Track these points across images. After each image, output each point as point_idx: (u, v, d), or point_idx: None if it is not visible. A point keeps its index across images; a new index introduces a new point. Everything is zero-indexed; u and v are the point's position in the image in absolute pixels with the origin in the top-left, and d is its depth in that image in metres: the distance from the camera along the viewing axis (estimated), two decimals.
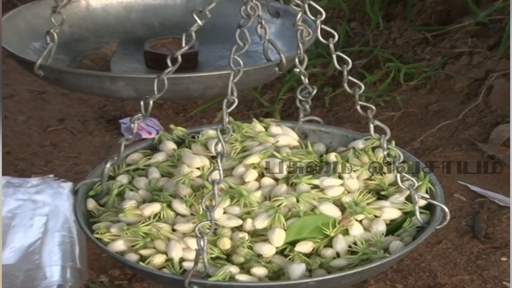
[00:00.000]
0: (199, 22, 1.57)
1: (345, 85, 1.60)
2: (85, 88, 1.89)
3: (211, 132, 1.74)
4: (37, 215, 2.02)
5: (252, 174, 1.65)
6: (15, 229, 2.01)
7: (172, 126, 1.78)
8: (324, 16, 1.62)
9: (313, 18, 1.61)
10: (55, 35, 1.80)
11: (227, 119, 1.52)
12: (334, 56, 1.59)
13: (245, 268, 1.55)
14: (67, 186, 1.99)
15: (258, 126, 1.77)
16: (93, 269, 2.22)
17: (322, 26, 1.61)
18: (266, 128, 1.77)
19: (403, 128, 2.60)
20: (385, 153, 1.64)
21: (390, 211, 1.62)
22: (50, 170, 2.17)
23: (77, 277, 1.96)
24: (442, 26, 2.61)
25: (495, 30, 2.55)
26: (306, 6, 1.65)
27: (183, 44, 1.61)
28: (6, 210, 2.05)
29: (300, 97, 1.75)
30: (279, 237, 1.57)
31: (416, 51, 2.54)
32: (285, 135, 1.77)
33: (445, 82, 2.54)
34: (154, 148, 1.78)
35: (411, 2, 2.64)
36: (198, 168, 1.67)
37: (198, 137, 1.76)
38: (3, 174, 2.14)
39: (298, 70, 1.71)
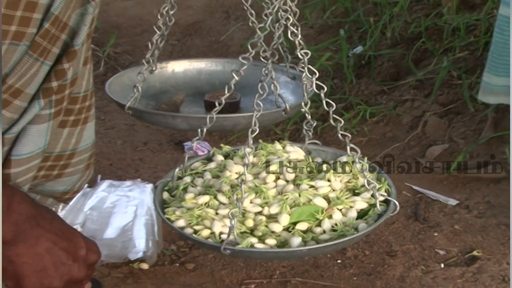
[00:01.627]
0: (236, 77, 1.83)
1: (331, 120, 1.84)
2: (156, 122, 2.17)
3: (244, 150, 1.82)
4: (129, 205, 2.29)
5: (271, 177, 1.90)
6: (115, 214, 2.28)
7: (222, 145, 2.00)
8: (317, 75, 1.85)
9: (310, 76, 1.86)
10: (139, 88, 2.09)
11: (251, 141, 1.78)
12: (324, 102, 1.84)
13: (262, 239, 1.80)
14: (149, 186, 2.31)
15: (278, 146, 1.99)
16: (166, 241, 2.35)
17: (316, 81, 1.85)
18: (283, 147, 2.00)
19: (368, 148, 2.69)
20: (358, 165, 1.86)
21: (360, 204, 1.86)
22: (138, 176, 2.46)
23: (156, 246, 2.28)
24: (394, 82, 2.83)
25: (428, 84, 2.77)
26: (306, 69, 1.85)
27: (225, 92, 1.85)
28: (109, 202, 2.30)
29: (305, 127, 1.97)
30: (285, 219, 1.82)
31: (377, 98, 2.79)
32: (295, 152, 1.99)
33: (396, 118, 2.77)
34: (209, 159, 2.01)
35: (374, 65, 2.80)
36: (236, 173, 1.89)
37: (237, 152, 1.99)
38: (108, 179, 2.35)
39: (303, 110, 1.95)
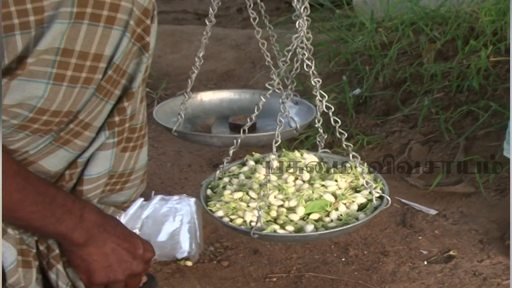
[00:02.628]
0: (260, 106, 1.86)
1: (337, 134, 1.88)
2: (196, 141, 2.22)
3: (270, 157, 1.85)
4: (177, 215, 2.27)
5: (291, 178, 1.92)
6: (165, 222, 2.26)
7: (253, 152, 2.03)
8: (327, 97, 1.87)
9: (321, 99, 1.87)
10: (182, 114, 2.16)
11: (275, 150, 1.81)
12: (331, 119, 1.85)
13: (283, 226, 1.82)
14: (192, 200, 2.29)
15: (297, 153, 2.01)
16: (206, 243, 2.33)
17: (326, 103, 1.86)
18: (301, 154, 2.01)
19: None
20: (358, 168, 1.90)
21: (360, 199, 1.87)
22: (183, 192, 2.45)
23: (197, 248, 2.26)
24: (385, 116, 2.79)
25: (413, 118, 2.74)
26: (318, 93, 1.86)
27: (252, 118, 1.88)
28: (161, 212, 2.28)
29: (318, 139, 1.99)
30: (301, 211, 1.83)
31: (372, 129, 2.75)
32: (311, 158, 2.00)
33: (387, 145, 2.73)
34: (243, 164, 2.03)
35: (369, 104, 2.78)
36: (263, 175, 1.90)
37: (264, 159, 2.01)
38: (160, 194, 2.35)
39: (317, 125, 1.96)
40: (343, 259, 2.31)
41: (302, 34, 1.81)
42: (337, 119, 1.88)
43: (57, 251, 1.76)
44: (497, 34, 2.88)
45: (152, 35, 1.69)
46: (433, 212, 2.50)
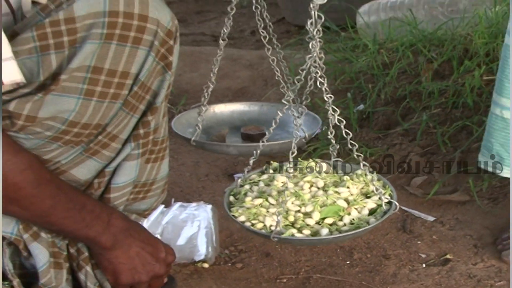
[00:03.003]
0: (280, 114, 1.84)
1: (349, 144, 1.87)
2: (214, 150, 2.22)
3: (287, 166, 1.87)
4: (195, 221, 2.26)
5: (306, 185, 1.90)
6: (184, 227, 2.26)
7: (271, 161, 2.01)
8: (338, 112, 1.84)
9: (333, 113, 1.84)
10: (200, 125, 2.15)
11: (291, 159, 1.81)
12: (343, 131, 1.85)
13: (300, 230, 1.80)
14: (209, 207, 2.28)
15: (312, 162, 1.98)
16: (221, 247, 2.32)
17: (338, 117, 1.84)
18: (316, 163, 1.98)
19: None
20: (369, 176, 1.89)
21: (371, 204, 1.86)
22: (201, 199, 2.42)
23: (214, 251, 2.25)
24: (386, 130, 2.77)
25: (412, 132, 2.73)
26: (330, 108, 1.84)
27: (271, 131, 1.89)
28: (180, 218, 2.26)
29: (331, 149, 1.97)
30: (316, 216, 1.82)
31: (374, 142, 2.74)
32: (325, 167, 1.98)
33: (389, 158, 2.72)
34: (262, 172, 2.01)
35: (372, 119, 2.76)
36: (281, 182, 1.90)
37: (282, 167, 1.97)
38: (180, 201, 2.33)
39: (330, 136, 1.93)
40: (347, 262, 2.30)
41: (315, 54, 1.80)
42: (348, 131, 1.87)
43: (86, 254, 1.76)
44: (490, 55, 2.87)
45: (175, 55, 1.70)
46: (431, 218, 2.48)
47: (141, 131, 1.70)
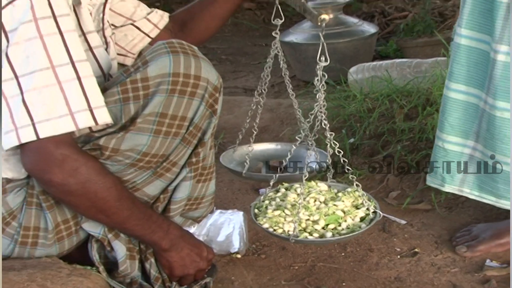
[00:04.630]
0: (294, 147, 1.85)
1: (346, 170, 1.85)
2: (257, 179, 2.23)
3: (299, 186, 1.90)
4: (230, 223, 2.23)
5: (311, 200, 1.90)
6: (223, 228, 2.22)
7: (283, 183, 1.99)
8: (338, 145, 1.82)
9: (333, 146, 1.81)
10: (248, 161, 2.07)
11: (304, 182, 1.80)
12: (341, 159, 1.83)
13: (310, 234, 1.80)
14: (241, 213, 2.25)
15: (313, 183, 1.97)
16: (250, 242, 2.26)
17: (337, 149, 1.82)
18: (316, 184, 1.98)
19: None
20: (358, 192, 1.90)
21: (361, 213, 1.87)
22: (235, 207, 2.39)
23: (244, 246, 2.24)
24: (370, 157, 2.71)
25: (390, 159, 2.69)
26: (332, 142, 1.81)
27: (287, 161, 1.88)
28: (220, 221, 2.23)
29: (328, 174, 1.96)
30: (322, 223, 1.83)
31: (362, 166, 2.69)
32: (323, 186, 1.97)
33: (372, 177, 2.66)
34: (277, 190, 1.98)
35: (360, 149, 2.68)
36: (293, 198, 1.90)
37: (292, 187, 1.97)
38: (219, 209, 2.28)
39: (328, 164, 1.93)
40: (342, 254, 2.26)
41: (321, 102, 1.79)
42: (345, 159, 1.85)
43: (151, 249, 1.75)
44: None
45: (219, 104, 1.70)
46: (403, 222, 2.45)
47: (194, 159, 1.71)
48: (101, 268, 1.68)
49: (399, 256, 2.21)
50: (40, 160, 1.41)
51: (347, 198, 1.91)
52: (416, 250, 2.24)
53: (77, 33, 1.45)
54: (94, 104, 1.45)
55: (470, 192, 2.11)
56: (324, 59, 1.69)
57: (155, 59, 1.54)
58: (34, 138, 1.39)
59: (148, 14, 1.88)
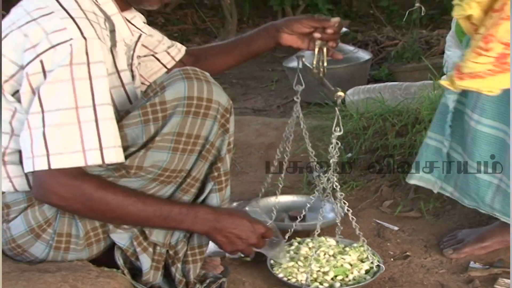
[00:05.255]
0: (309, 203, 1.93)
1: (350, 219, 1.87)
2: (282, 228, 1.97)
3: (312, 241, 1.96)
4: None
5: (321, 253, 1.93)
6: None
7: (296, 238, 2.01)
8: (344, 195, 1.87)
9: (340, 196, 1.84)
10: (275, 212, 2.08)
11: (316, 235, 1.82)
12: (346, 209, 1.87)
13: (321, 284, 1.82)
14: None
15: (322, 238, 1.99)
16: None
17: (343, 200, 1.85)
18: (326, 239, 2.01)
19: (355, 202, 2.54)
20: (363, 248, 1.94)
21: (366, 266, 1.90)
22: None
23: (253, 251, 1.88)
24: (366, 170, 2.69)
25: (383, 171, 2.66)
26: (339, 194, 1.85)
27: (305, 214, 1.95)
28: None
29: (337, 229, 1.99)
30: (331, 274, 1.85)
31: (359, 178, 2.65)
32: (332, 241, 2.01)
33: (368, 188, 2.61)
34: (291, 244, 2.00)
35: (357, 162, 2.65)
36: (306, 252, 1.93)
37: (304, 242, 2.00)
38: None
39: (337, 221, 1.97)
40: None
41: (333, 166, 1.82)
42: (349, 208, 1.88)
43: (180, 255, 1.72)
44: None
45: (231, 123, 1.69)
46: (396, 228, 2.42)
47: (216, 173, 1.70)
48: (125, 271, 1.66)
49: (392, 259, 2.18)
50: (42, 187, 1.45)
51: (353, 252, 1.93)
52: (407, 253, 2.21)
53: (106, 78, 1.47)
54: (105, 145, 1.46)
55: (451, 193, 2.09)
56: (338, 129, 1.71)
57: (171, 84, 1.55)
58: (46, 168, 1.42)
59: (169, 47, 1.89)
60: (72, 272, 1.49)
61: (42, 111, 1.41)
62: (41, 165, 1.43)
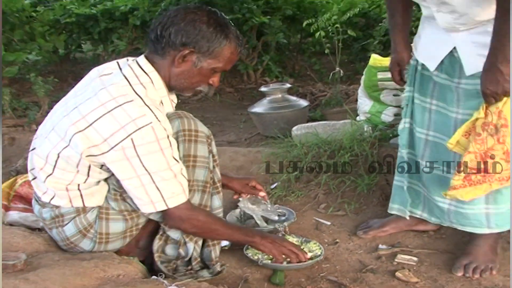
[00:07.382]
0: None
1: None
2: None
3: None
4: None
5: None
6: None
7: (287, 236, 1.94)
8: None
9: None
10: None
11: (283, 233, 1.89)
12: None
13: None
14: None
15: (287, 236, 1.93)
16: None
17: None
18: (290, 235, 1.98)
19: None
20: (313, 242, 1.90)
21: (315, 252, 1.89)
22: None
23: (230, 242, 1.93)
24: (308, 183, 2.59)
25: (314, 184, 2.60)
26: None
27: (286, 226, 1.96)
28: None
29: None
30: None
31: (302, 189, 2.59)
32: (294, 237, 1.97)
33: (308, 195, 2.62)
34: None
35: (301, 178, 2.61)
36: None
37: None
38: None
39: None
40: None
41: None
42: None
43: (199, 242, 1.74)
44: (353, 149, 2.79)
45: (213, 145, 1.74)
46: (328, 223, 2.32)
47: (211, 181, 1.72)
48: (156, 255, 1.68)
49: (327, 245, 2.14)
50: (172, 219, 1.59)
51: (310, 246, 1.97)
52: (337, 240, 2.17)
53: (176, 142, 1.57)
54: (185, 185, 1.60)
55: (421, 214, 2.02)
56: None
57: (171, 122, 1.60)
58: (165, 207, 1.55)
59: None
60: (101, 260, 1.54)
61: (149, 173, 1.50)
62: (162, 207, 1.54)
